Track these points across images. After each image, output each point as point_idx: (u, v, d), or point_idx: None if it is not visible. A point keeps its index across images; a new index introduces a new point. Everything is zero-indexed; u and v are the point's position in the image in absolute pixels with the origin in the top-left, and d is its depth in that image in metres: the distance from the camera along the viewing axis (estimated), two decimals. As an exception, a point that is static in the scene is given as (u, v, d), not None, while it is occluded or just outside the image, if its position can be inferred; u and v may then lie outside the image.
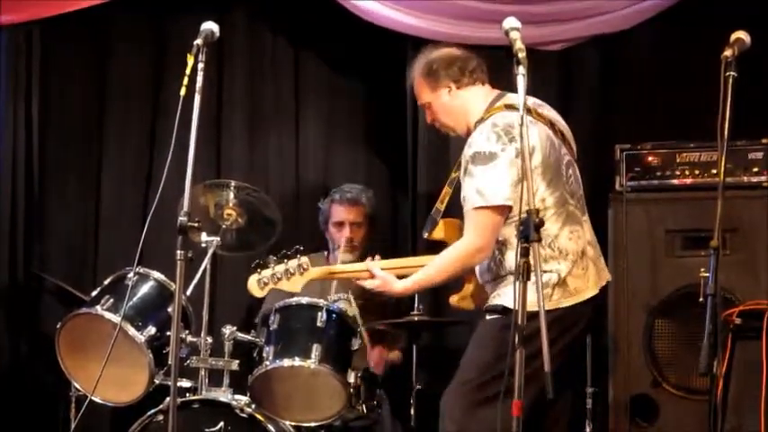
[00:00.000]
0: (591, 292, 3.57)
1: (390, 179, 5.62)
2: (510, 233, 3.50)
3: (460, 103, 3.75)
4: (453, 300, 3.91)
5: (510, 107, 3.58)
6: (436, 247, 3.77)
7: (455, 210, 3.73)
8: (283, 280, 3.72)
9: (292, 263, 3.72)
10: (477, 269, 3.71)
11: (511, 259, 3.52)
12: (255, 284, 3.72)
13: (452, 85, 3.73)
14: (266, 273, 3.71)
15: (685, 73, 5.00)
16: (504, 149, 3.47)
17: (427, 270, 3.66)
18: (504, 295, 3.55)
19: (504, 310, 3.52)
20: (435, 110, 3.81)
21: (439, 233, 3.81)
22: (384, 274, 3.69)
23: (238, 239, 4.53)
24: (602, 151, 4.85)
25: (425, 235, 3.84)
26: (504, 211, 3.48)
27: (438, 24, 5.18)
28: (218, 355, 4.13)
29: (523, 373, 2.85)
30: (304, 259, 3.73)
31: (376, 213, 5.06)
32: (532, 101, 3.68)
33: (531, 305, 2.90)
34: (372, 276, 3.70)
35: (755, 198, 4.41)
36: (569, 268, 3.51)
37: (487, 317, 3.61)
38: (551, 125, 3.67)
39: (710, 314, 3.15)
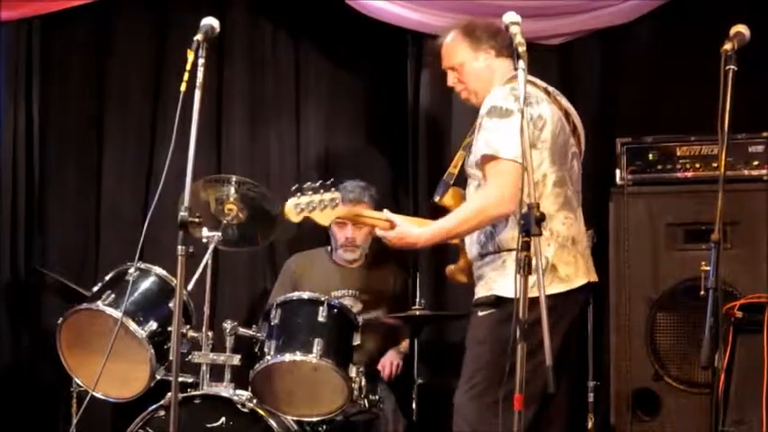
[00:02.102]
0: (581, 280, 3.57)
1: (391, 173, 5.62)
2: None
3: (491, 72, 3.74)
4: (449, 269, 3.93)
5: (531, 83, 3.61)
6: (443, 213, 3.74)
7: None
8: (317, 210, 3.62)
9: (327, 195, 3.64)
10: (466, 241, 3.71)
11: (501, 235, 3.54)
12: (293, 209, 3.61)
13: (492, 52, 3.72)
14: (304, 199, 3.61)
15: (686, 66, 5.00)
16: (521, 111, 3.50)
17: (447, 220, 3.63)
18: (494, 282, 3.56)
19: (497, 302, 3.52)
20: (465, 72, 3.79)
21: (448, 200, 3.81)
22: (404, 222, 3.67)
23: (239, 235, 4.53)
24: (603, 145, 4.85)
25: (436, 199, 3.82)
26: (513, 165, 3.43)
27: (438, 19, 5.16)
28: (220, 351, 4.14)
29: (525, 369, 2.86)
30: (336, 194, 3.66)
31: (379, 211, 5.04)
32: (552, 88, 3.73)
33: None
34: (392, 226, 3.67)
35: (756, 191, 4.41)
36: (555, 251, 3.50)
37: (480, 313, 3.60)
38: (566, 114, 3.70)
39: (712, 308, 3.15)
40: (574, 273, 3.55)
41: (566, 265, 3.53)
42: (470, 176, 3.71)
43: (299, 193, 3.62)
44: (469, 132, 3.75)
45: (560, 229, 3.55)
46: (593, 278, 3.69)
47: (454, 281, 3.95)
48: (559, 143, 3.60)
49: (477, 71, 3.77)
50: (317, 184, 3.63)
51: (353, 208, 3.79)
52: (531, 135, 3.45)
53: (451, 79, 3.85)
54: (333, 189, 3.64)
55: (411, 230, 3.65)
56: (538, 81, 3.67)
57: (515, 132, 3.42)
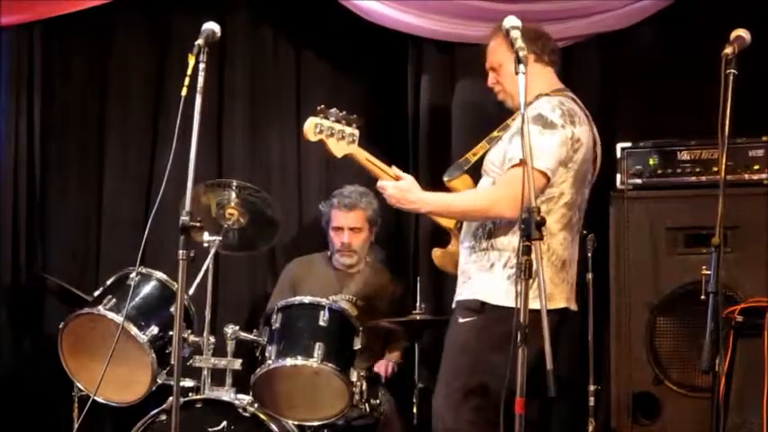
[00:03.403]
0: (560, 303, 3.59)
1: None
2: None
3: (529, 76, 3.70)
4: (436, 252, 3.95)
5: (574, 101, 3.68)
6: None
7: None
8: (334, 138, 3.66)
9: (348, 129, 3.68)
10: (463, 230, 3.73)
11: (499, 236, 3.56)
12: (312, 127, 3.63)
13: (531, 56, 3.60)
14: (327, 123, 3.64)
15: (686, 71, 5.00)
16: (564, 126, 3.54)
17: (451, 196, 3.71)
18: (479, 285, 3.58)
19: (480, 308, 3.54)
20: (503, 73, 3.78)
21: (458, 183, 3.83)
22: (411, 179, 3.71)
23: (240, 239, 4.54)
24: (603, 150, 4.85)
25: (445, 179, 3.85)
26: (540, 177, 3.45)
27: (437, 23, 5.18)
28: (221, 355, 4.14)
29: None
30: (357, 132, 3.71)
31: (376, 217, 5.04)
32: (588, 113, 3.75)
33: (506, 300, 3.01)
34: (398, 179, 3.70)
35: (756, 195, 4.41)
36: (546, 267, 3.47)
37: (461, 319, 3.62)
38: (594, 143, 3.74)
39: (712, 312, 3.16)
40: (558, 294, 3.58)
41: (552, 284, 3.55)
42: (486, 172, 3.73)
43: (322, 115, 3.64)
44: (499, 128, 3.77)
45: (557, 248, 3.58)
46: (573, 307, 3.71)
47: (438, 265, 3.97)
48: (583, 169, 3.65)
49: (513, 73, 3.73)
50: (344, 113, 3.67)
51: (365, 154, 3.77)
52: (565, 153, 3.51)
53: (491, 79, 3.87)
54: (355, 126, 3.70)
55: (415, 190, 3.68)
56: (580, 102, 3.70)
57: (554, 144, 3.49)
